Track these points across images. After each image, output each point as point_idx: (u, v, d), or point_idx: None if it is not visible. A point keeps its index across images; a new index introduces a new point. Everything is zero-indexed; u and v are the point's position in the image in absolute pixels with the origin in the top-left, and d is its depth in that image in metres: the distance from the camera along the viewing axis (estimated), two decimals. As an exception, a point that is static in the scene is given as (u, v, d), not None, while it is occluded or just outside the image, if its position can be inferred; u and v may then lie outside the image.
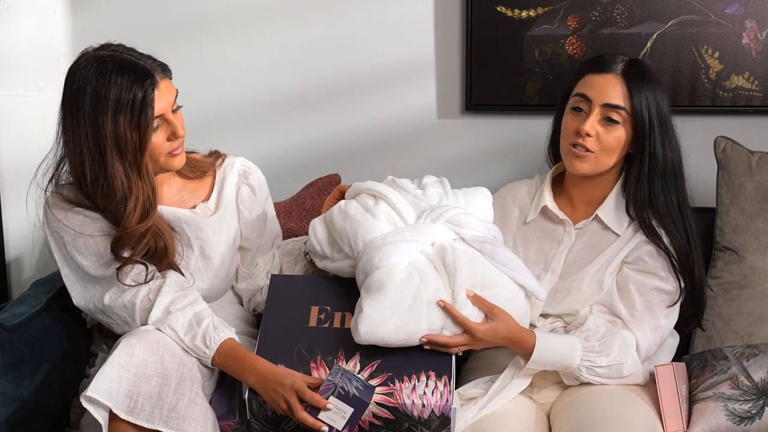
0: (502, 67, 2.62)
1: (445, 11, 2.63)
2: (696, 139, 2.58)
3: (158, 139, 1.94)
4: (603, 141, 2.09)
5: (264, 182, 2.22)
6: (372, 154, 2.71)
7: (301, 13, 2.67)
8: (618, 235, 2.15)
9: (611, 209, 2.17)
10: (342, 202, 2.10)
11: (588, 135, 2.08)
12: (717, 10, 2.52)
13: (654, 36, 2.56)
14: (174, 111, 1.96)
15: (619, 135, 2.10)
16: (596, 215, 2.17)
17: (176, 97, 1.97)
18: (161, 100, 1.92)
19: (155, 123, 1.92)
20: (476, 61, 2.62)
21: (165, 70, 1.97)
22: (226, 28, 2.69)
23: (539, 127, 2.36)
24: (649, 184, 2.12)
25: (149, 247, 1.96)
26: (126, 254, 1.94)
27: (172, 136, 1.96)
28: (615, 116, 2.09)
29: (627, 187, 2.15)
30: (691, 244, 2.12)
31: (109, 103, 1.87)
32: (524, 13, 2.58)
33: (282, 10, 2.67)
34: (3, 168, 2.61)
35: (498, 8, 2.58)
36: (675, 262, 2.09)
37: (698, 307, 2.19)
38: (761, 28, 2.53)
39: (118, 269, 1.94)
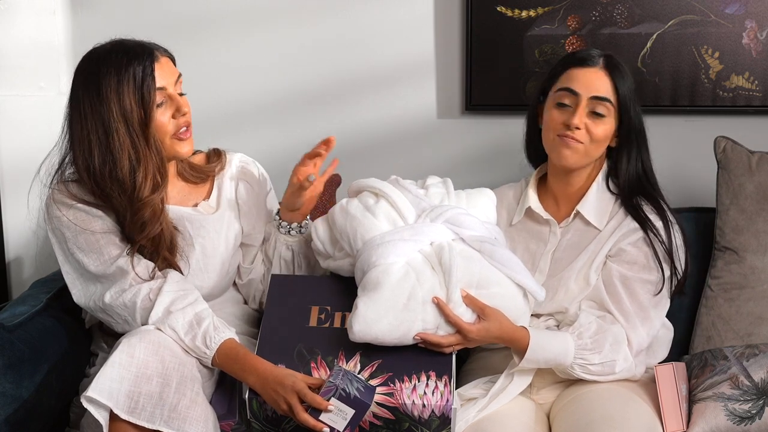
0: (502, 67, 2.62)
1: (445, 11, 2.63)
2: (696, 139, 2.59)
3: (163, 116, 1.96)
4: (592, 132, 2.10)
5: (264, 177, 2.22)
6: (372, 154, 2.71)
7: (302, 14, 2.67)
8: (599, 231, 2.15)
9: (592, 204, 2.17)
10: (344, 200, 2.11)
11: (577, 128, 2.08)
12: (717, 10, 2.52)
13: (654, 36, 2.56)
14: (180, 94, 1.99)
15: (606, 127, 2.12)
16: (577, 211, 2.17)
17: (179, 78, 2.00)
18: (162, 72, 1.95)
19: (159, 98, 1.94)
20: (476, 61, 2.62)
21: (167, 52, 2.02)
22: (227, 28, 2.69)
23: (539, 127, 2.36)
24: (637, 172, 2.16)
25: (161, 231, 1.97)
26: (147, 231, 1.95)
27: (177, 112, 1.98)
28: (602, 110, 2.10)
29: (617, 178, 2.17)
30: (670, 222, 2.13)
31: (110, 79, 1.91)
32: (524, 13, 2.58)
33: (282, 10, 2.67)
34: (3, 168, 2.60)
35: (498, 8, 2.58)
36: (663, 246, 2.09)
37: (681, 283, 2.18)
38: (761, 28, 2.53)
39: (131, 253, 1.95)
